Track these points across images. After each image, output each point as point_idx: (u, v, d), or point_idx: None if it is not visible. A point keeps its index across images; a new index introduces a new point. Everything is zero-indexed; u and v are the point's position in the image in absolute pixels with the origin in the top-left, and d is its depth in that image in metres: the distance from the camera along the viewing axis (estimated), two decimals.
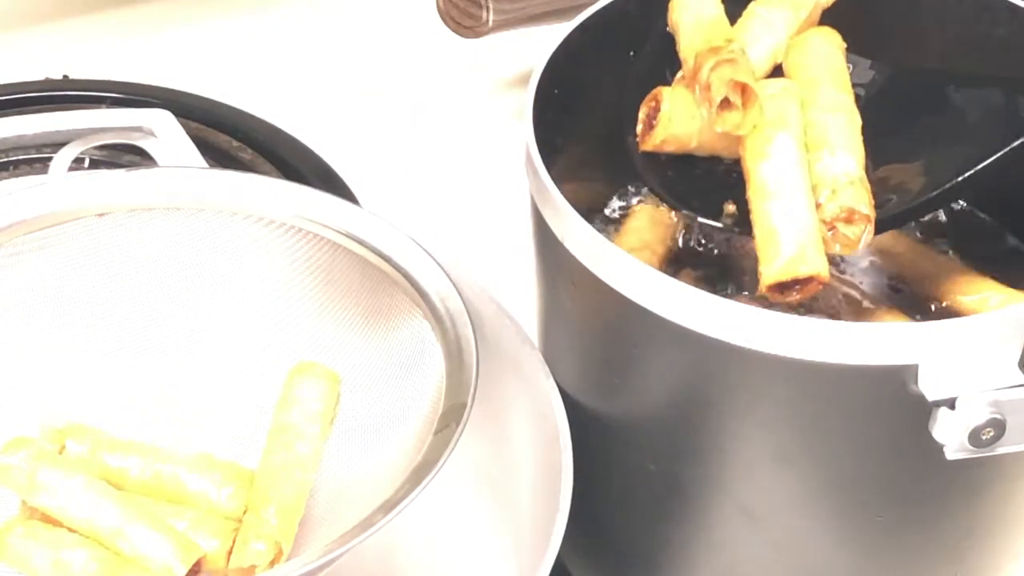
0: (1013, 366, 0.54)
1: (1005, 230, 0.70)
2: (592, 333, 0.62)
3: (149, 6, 1.07)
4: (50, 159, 0.72)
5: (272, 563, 0.61)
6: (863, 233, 0.60)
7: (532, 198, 0.62)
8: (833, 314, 0.65)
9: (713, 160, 0.64)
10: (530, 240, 0.65)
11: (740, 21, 0.66)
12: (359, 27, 1.06)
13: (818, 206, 0.60)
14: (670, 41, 0.66)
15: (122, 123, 0.76)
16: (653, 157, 0.64)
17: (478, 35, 0.91)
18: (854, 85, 0.65)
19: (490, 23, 0.89)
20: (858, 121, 0.63)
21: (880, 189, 0.62)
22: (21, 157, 0.83)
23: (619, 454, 0.63)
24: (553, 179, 0.59)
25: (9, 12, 1.06)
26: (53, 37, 1.04)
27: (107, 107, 0.87)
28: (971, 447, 0.53)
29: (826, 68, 0.64)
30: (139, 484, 0.64)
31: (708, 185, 0.64)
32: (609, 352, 0.61)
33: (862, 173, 0.61)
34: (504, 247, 0.77)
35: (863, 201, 0.60)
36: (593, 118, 0.68)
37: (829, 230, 0.60)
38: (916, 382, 0.53)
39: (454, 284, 0.62)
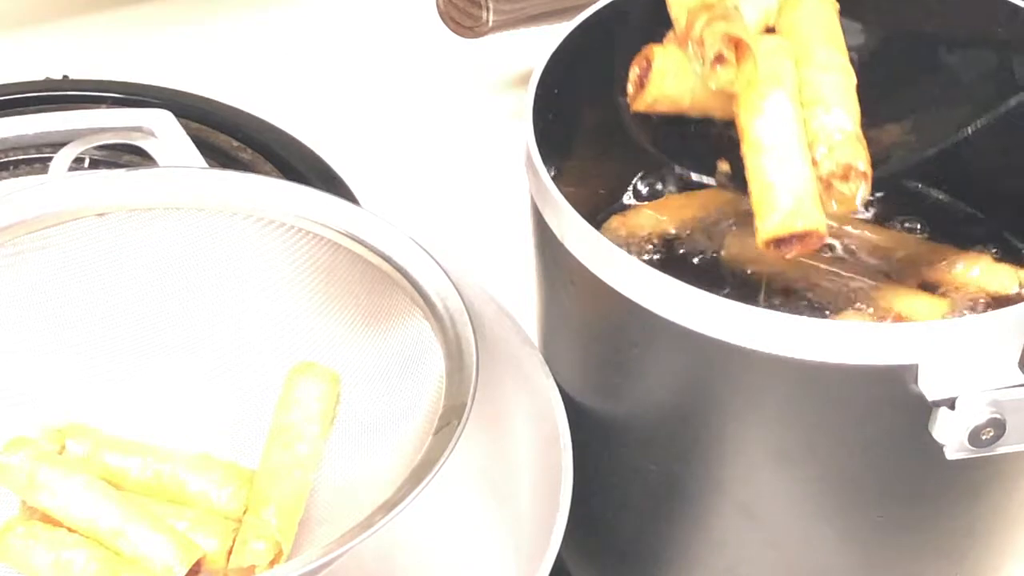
0: (1013, 366, 0.54)
1: (981, 216, 0.70)
2: (592, 333, 0.62)
3: (149, 6, 1.07)
4: (50, 159, 0.72)
5: (272, 563, 0.61)
6: (860, 190, 0.59)
7: (532, 198, 0.62)
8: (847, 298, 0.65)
9: (706, 122, 0.63)
10: (530, 240, 0.65)
11: None
12: (359, 27, 1.06)
13: (814, 163, 0.59)
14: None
15: (122, 123, 0.76)
16: (645, 119, 0.63)
17: (478, 35, 0.91)
18: (847, 48, 0.64)
19: (490, 23, 0.89)
20: (853, 79, 0.62)
21: (874, 149, 0.61)
22: (21, 157, 0.83)
23: (619, 454, 0.63)
24: (553, 179, 0.59)
25: (9, 12, 1.06)
26: (53, 37, 1.04)
27: (107, 107, 0.87)
28: (971, 447, 0.53)
29: (820, 28, 0.63)
30: (139, 484, 0.64)
31: (701, 146, 0.63)
32: (609, 352, 0.61)
33: (858, 130, 0.60)
34: (504, 247, 0.77)
35: (860, 157, 0.59)
36: (593, 117, 0.68)
37: (826, 188, 0.59)
38: (916, 382, 0.53)
39: (454, 284, 0.62)
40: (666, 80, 0.62)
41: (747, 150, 0.60)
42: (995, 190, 0.69)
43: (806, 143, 0.59)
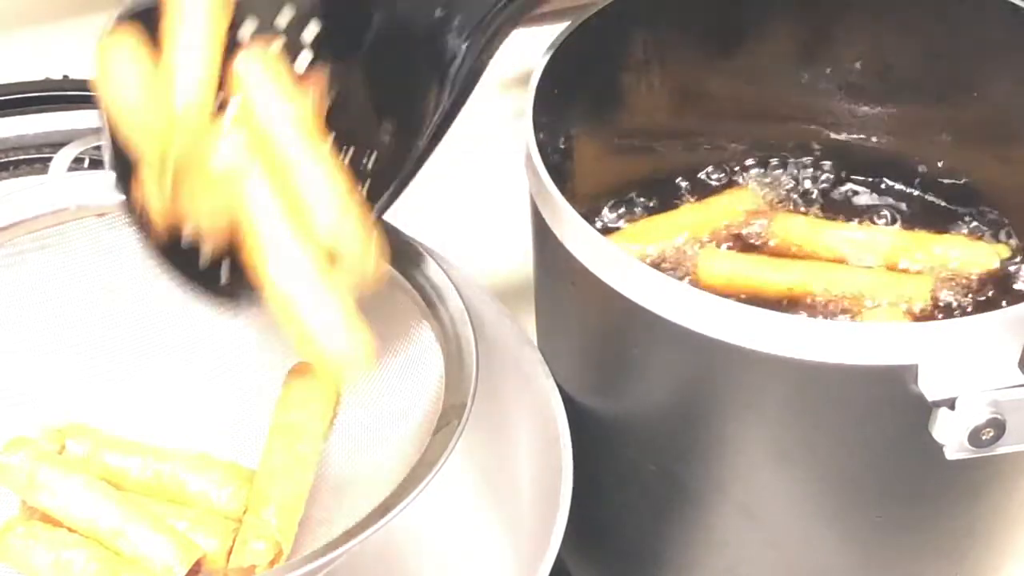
0: (1013, 366, 0.54)
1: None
2: (592, 333, 0.62)
3: None
4: (50, 159, 0.72)
5: (272, 563, 0.61)
6: (368, 260, 0.58)
7: (532, 198, 0.62)
8: None
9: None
10: (530, 240, 0.65)
11: None
12: None
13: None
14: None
15: None
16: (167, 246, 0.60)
17: None
18: None
19: None
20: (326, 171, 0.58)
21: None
22: (21, 157, 0.83)
23: (619, 454, 0.63)
24: (553, 179, 0.59)
25: (9, 12, 1.06)
26: (53, 37, 1.04)
27: None
28: (971, 447, 0.53)
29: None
30: (139, 484, 0.64)
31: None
32: (609, 352, 0.61)
33: (346, 209, 0.58)
34: (504, 247, 0.77)
35: (358, 238, 0.57)
36: (593, 118, 0.68)
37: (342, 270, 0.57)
38: (916, 382, 0.53)
39: (454, 284, 0.62)
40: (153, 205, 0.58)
41: (273, 302, 0.57)
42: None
43: (320, 262, 0.57)
